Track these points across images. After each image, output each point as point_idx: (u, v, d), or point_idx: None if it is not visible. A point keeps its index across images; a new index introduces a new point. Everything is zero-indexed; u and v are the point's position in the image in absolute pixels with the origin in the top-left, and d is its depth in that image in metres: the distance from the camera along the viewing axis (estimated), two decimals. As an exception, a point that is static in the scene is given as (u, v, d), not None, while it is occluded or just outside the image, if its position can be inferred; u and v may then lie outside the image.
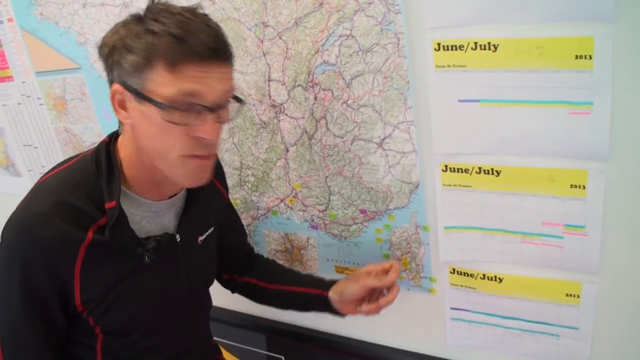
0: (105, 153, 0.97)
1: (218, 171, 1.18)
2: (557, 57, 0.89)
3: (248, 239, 1.36)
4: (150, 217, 1.02)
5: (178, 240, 1.04)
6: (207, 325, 1.27)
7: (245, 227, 1.38)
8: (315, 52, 1.08)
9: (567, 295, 1.05)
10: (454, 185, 1.06)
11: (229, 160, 1.32)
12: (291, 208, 1.29)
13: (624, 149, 0.91)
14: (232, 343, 1.62)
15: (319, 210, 1.25)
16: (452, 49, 0.95)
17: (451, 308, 1.18)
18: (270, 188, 1.30)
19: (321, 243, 1.29)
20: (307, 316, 1.36)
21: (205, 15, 0.88)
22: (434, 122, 1.03)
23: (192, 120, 0.87)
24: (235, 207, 1.36)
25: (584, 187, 0.96)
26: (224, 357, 1.34)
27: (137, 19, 0.87)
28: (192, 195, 1.07)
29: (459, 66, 0.96)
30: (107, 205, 0.93)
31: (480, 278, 1.11)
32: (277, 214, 1.32)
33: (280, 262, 1.37)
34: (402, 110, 1.04)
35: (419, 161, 1.07)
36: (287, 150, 1.23)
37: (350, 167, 1.16)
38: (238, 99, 0.93)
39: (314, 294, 1.19)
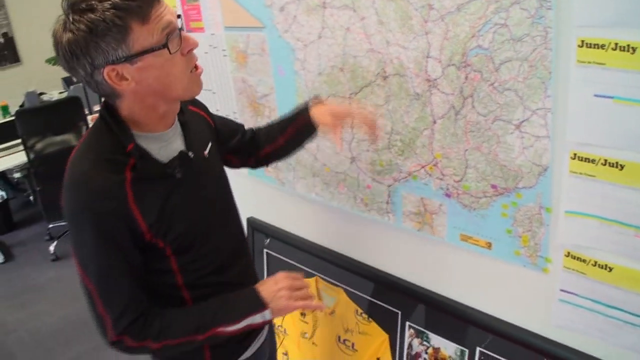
0: (108, 113, 1.28)
1: (194, 102, 1.56)
2: (689, 63, 1.04)
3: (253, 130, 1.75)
4: (164, 146, 1.34)
5: (191, 156, 1.38)
6: (243, 235, 1.64)
7: (387, 188, 1.63)
8: (472, 37, 1.30)
9: (670, 294, 1.19)
10: (580, 173, 1.23)
11: (381, 124, 1.58)
12: (430, 175, 1.52)
13: None
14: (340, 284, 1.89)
15: (455, 181, 1.47)
16: (594, 47, 1.12)
17: (561, 290, 1.35)
18: (414, 154, 1.54)
19: (451, 211, 1.51)
20: (424, 278, 1.62)
21: None
22: (570, 112, 1.20)
23: (180, 42, 1.21)
24: (381, 168, 1.62)
25: (700, 190, 1.10)
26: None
27: (81, 10, 1.12)
28: (183, 120, 1.40)
29: (598, 63, 1.13)
30: (128, 148, 1.25)
31: (592, 265, 1.27)
32: (416, 178, 1.56)
33: (412, 223, 1.61)
34: (541, 97, 1.23)
35: (551, 146, 1.25)
36: (434, 122, 1.45)
37: (488, 144, 1.36)
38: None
39: (303, 125, 1.62)
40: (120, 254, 1.27)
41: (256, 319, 1.38)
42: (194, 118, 1.50)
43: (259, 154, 1.72)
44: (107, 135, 1.27)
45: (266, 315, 1.39)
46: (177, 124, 1.39)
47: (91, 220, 1.22)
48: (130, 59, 1.16)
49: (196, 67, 1.28)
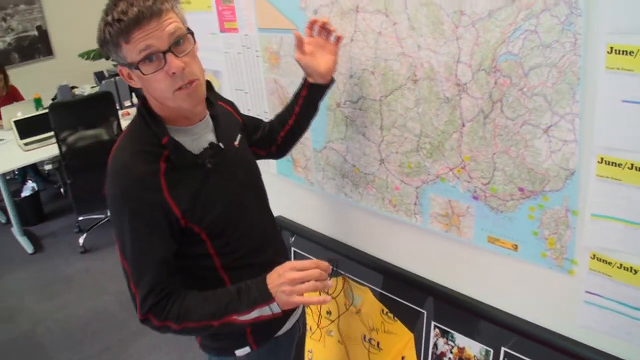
0: (145, 109, 1.43)
1: (221, 99, 1.75)
2: None
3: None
4: (196, 138, 1.48)
5: (223, 147, 1.52)
6: (273, 218, 1.81)
7: (415, 189, 1.67)
8: (502, 42, 1.33)
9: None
10: (606, 177, 1.26)
11: (411, 127, 1.62)
12: (458, 178, 1.56)
13: None
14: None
15: (482, 183, 1.50)
16: (623, 54, 1.15)
17: (586, 291, 1.38)
18: (442, 157, 1.57)
19: (479, 213, 1.55)
20: (450, 278, 1.68)
21: None
22: (597, 117, 1.23)
23: (161, 65, 1.30)
24: (409, 170, 1.66)
25: None
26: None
27: (102, 15, 1.30)
28: (213, 115, 1.54)
29: (626, 70, 1.15)
30: (163, 141, 1.39)
31: (617, 267, 1.30)
32: (444, 180, 1.60)
33: (440, 225, 1.65)
34: (569, 102, 1.26)
35: (578, 151, 1.28)
36: (463, 125, 1.49)
37: (516, 147, 1.39)
38: (189, 31, 1.37)
39: (306, 96, 1.75)
40: (154, 239, 1.40)
41: (265, 310, 1.43)
42: (223, 112, 1.64)
43: (277, 139, 1.86)
44: (144, 129, 1.42)
45: (273, 308, 1.42)
46: (208, 118, 1.53)
47: (129, 207, 1.37)
48: (127, 66, 1.34)
49: (191, 82, 1.35)
